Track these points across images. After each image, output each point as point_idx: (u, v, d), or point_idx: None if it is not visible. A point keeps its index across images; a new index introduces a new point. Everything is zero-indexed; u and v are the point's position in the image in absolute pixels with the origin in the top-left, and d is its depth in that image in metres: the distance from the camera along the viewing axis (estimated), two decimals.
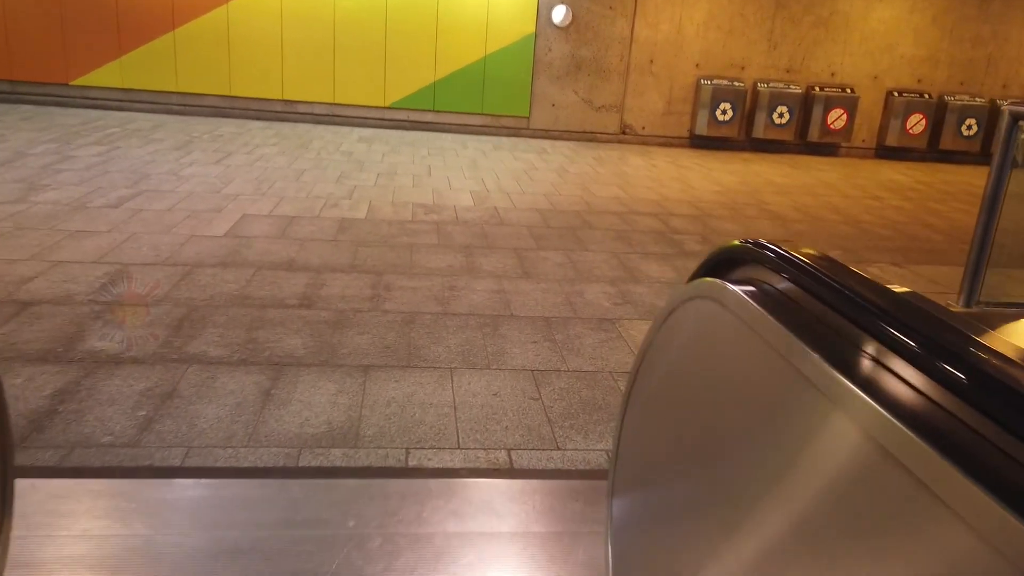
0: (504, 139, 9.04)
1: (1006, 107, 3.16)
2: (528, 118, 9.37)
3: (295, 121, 9.00)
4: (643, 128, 9.55)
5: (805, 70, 9.58)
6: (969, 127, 9.63)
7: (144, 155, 6.24)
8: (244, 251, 3.96)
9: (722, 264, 1.12)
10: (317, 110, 9.10)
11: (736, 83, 9.28)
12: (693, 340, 1.11)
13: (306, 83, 9.02)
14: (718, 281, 1.03)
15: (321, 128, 8.72)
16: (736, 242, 1.09)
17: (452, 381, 2.66)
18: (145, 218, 4.42)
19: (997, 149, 3.21)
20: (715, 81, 9.27)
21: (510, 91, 9.27)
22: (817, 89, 9.44)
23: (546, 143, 9.01)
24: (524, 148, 8.50)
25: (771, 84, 9.35)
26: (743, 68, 9.45)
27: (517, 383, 2.69)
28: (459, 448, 2.25)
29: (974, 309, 3.41)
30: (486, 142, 8.70)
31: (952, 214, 6.42)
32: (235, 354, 2.75)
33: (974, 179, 8.58)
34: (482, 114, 9.32)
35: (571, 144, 9.08)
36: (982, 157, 9.80)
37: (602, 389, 2.68)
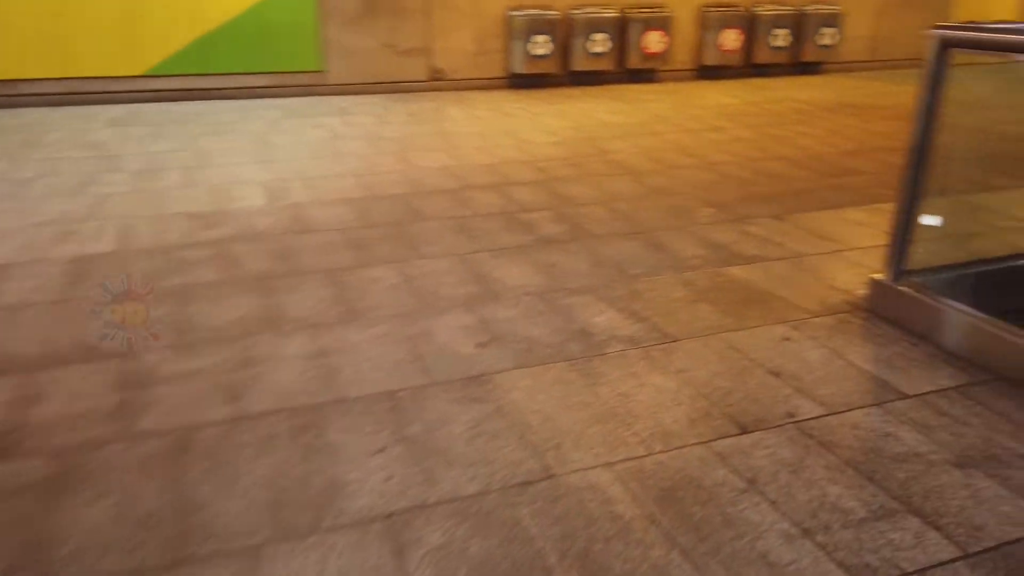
0: (298, 100, 7.64)
1: (933, 31, 2.49)
2: (323, 72, 7.99)
3: (20, 107, 7.04)
4: (455, 72, 8.48)
5: None
6: (779, 38, 9.45)
7: None
8: None
9: None
10: (49, 89, 7.18)
11: (549, 12, 8.41)
12: None
13: (29, 55, 7.05)
14: None
15: (59, 113, 6.87)
16: None
17: None
18: None
19: (921, 85, 2.56)
20: (526, 12, 8.35)
21: (296, 42, 7.82)
22: (633, 11, 8.80)
23: (348, 100, 7.72)
24: (323, 110, 7.18)
25: (585, 10, 8.57)
26: None
27: (366, 556, 1.70)
28: None
29: (905, 287, 2.84)
30: (276, 107, 7.27)
31: (798, 139, 6.02)
32: None
33: (794, 93, 8.39)
34: (266, 72, 7.82)
35: (378, 99, 7.85)
36: (792, 68, 9.73)
37: (499, 527, 1.76)
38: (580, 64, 8.67)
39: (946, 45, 2.48)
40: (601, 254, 3.53)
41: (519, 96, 8.11)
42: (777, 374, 2.46)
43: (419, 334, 2.74)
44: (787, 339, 2.69)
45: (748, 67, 9.55)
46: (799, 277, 3.26)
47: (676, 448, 2.08)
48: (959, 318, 2.58)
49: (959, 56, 2.49)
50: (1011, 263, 3.03)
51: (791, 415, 2.23)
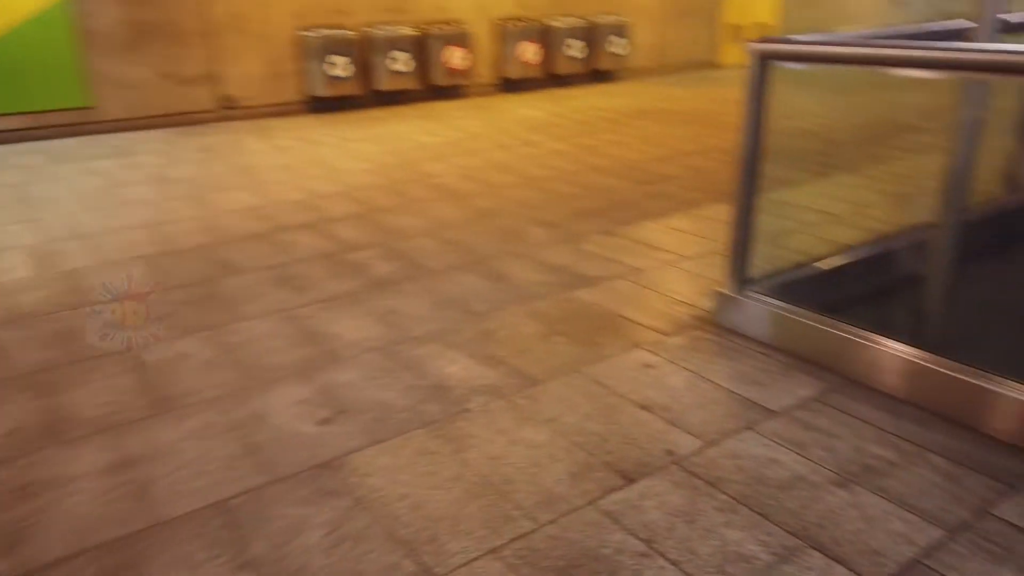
0: (64, 142, 6.67)
1: (752, 45, 2.51)
2: (93, 108, 7.06)
3: None
4: (249, 99, 7.86)
5: (413, 9, 8.69)
6: (574, 48, 9.73)
7: None
8: None
9: None
10: None
11: (344, 31, 8.03)
12: None
13: None
14: None
15: None
16: None
17: None
18: None
19: (746, 97, 2.57)
20: (320, 32, 7.91)
21: (54, 75, 6.84)
22: (431, 27, 8.65)
23: (126, 138, 6.87)
24: (97, 151, 6.31)
25: (382, 28, 8.29)
26: (346, 13, 8.22)
27: None
28: None
29: (748, 296, 2.86)
30: (37, 152, 6.30)
31: (609, 148, 6.14)
32: None
33: (595, 101, 8.65)
34: (21, 113, 6.77)
35: (161, 134, 7.06)
36: (589, 77, 10.06)
37: None
38: (383, 83, 8.37)
39: (766, 58, 2.50)
40: (441, 292, 3.28)
41: (323, 121, 7.66)
42: (647, 407, 2.34)
43: (248, 418, 2.34)
44: (648, 366, 2.60)
45: (548, 78, 9.74)
46: (644, 295, 3.21)
47: (565, 514, 1.88)
48: (801, 322, 2.62)
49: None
50: (844, 258, 3.17)
51: (671, 452, 2.12)
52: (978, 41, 2.84)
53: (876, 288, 3.22)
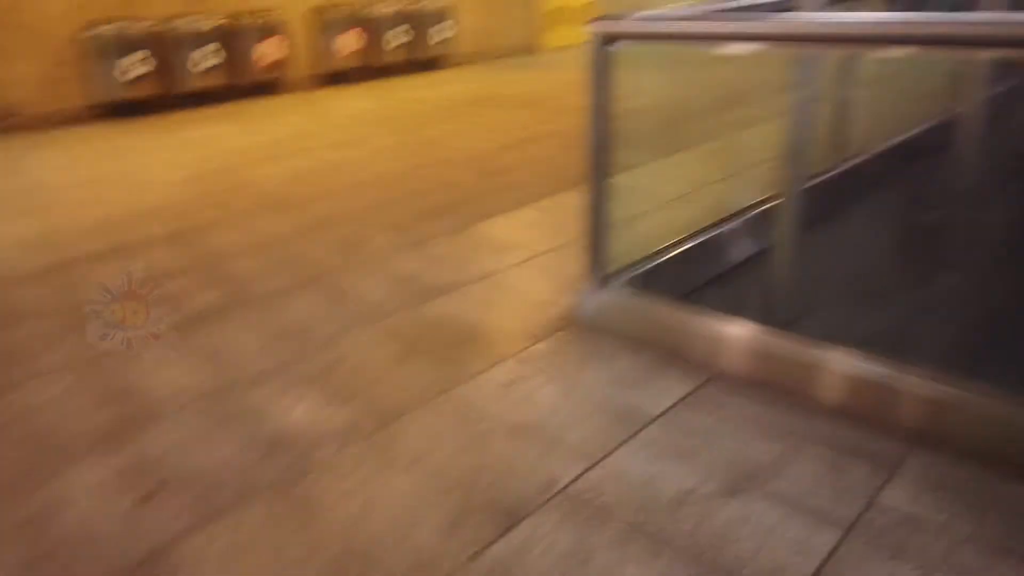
0: None
1: (593, 25, 2.33)
2: None
3: None
4: (29, 107, 6.85)
5: None
6: (399, 36, 9.35)
7: None
8: None
9: None
10: None
11: (141, 25, 7.19)
12: None
13: None
14: None
15: None
16: None
17: None
18: None
19: (590, 80, 2.40)
20: (113, 27, 7.03)
21: None
22: (241, 18, 7.95)
23: None
24: None
25: (182, 20, 7.50)
26: (140, 3, 7.37)
27: None
28: None
29: (609, 291, 2.71)
30: None
31: (450, 139, 5.89)
32: None
33: (427, 91, 8.36)
34: None
35: None
36: (416, 65, 9.72)
37: None
38: (190, 83, 7.60)
39: (609, 39, 2.34)
40: (276, 320, 2.90)
41: (123, 129, 6.82)
42: (522, 431, 2.13)
43: (43, 509, 1.89)
44: (517, 380, 2.39)
45: (373, 68, 9.31)
46: (502, 299, 3.00)
47: None
48: (663, 313, 2.52)
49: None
50: (698, 238, 3.11)
51: (553, 480, 1.92)
52: (807, 9, 2.84)
53: (731, 266, 3.21)
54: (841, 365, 2.13)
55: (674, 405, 2.21)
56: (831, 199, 3.72)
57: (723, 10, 2.71)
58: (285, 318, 2.91)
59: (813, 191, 3.41)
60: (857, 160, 4.17)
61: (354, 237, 3.79)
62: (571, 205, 4.07)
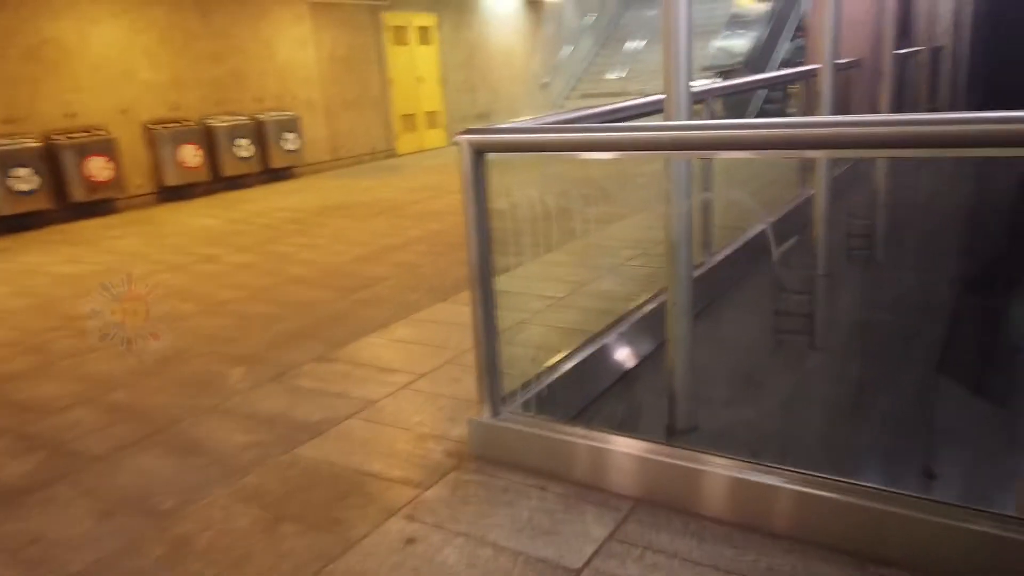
0: None
1: (462, 137, 2.16)
2: None
3: None
4: None
5: (36, 116, 7.30)
6: (242, 148, 8.99)
7: None
8: None
9: None
10: None
11: None
12: None
13: None
14: None
15: None
16: None
17: None
18: None
19: (465, 194, 2.21)
20: None
21: None
22: (61, 137, 7.32)
23: None
24: None
25: None
26: None
27: None
28: None
29: (507, 421, 2.45)
30: None
31: (304, 253, 5.54)
32: None
33: (276, 202, 8.00)
34: None
35: None
36: (263, 176, 9.36)
37: None
38: (5, 206, 6.82)
39: (480, 151, 2.16)
40: (109, 490, 2.39)
41: None
42: None
43: None
44: (411, 540, 2.04)
45: (217, 181, 8.84)
46: (384, 435, 2.66)
47: None
48: (564, 440, 2.28)
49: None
50: (590, 347, 2.93)
51: None
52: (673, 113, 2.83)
53: (629, 368, 3.06)
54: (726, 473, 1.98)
55: (597, 552, 1.94)
56: (708, 290, 3.71)
57: (595, 116, 2.64)
58: (121, 486, 2.41)
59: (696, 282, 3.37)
60: (727, 251, 4.24)
61: (203, 374, 3.32)
62: (447, 318, 3.85)
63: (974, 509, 1.74)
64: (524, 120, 2.31)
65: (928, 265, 4.91)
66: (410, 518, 2.14)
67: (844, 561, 1.81)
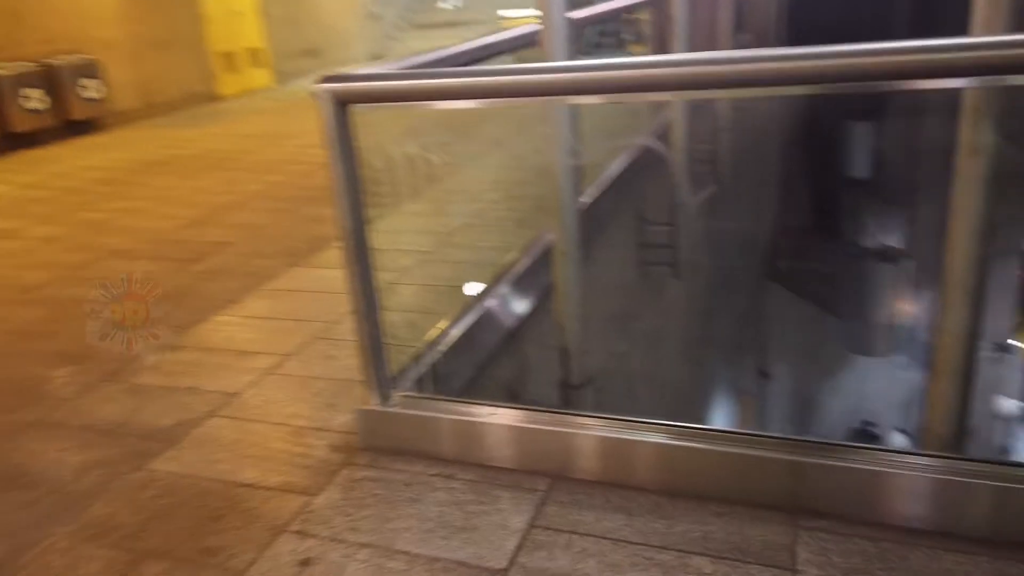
0: None
1: (323, 86, 1.82)
2: None
3: None
4: None
5: None
6: (33, 99, 7.76)
7: None
8: None
9: None
10: None
11: None
12: None
13: None
14: None
15: None
16: None
17: None
18: None
19: (330, 152, 1.89)
20: None
21: None
22: None
23: None
24: None
25: None
26: None
27: None
28: None
29: (398, 407, 2.19)
30: None
31: (124, 220, 4.85)
32: None
33: (83, 159, 7.01)
34: None
35: None
36: (64, 130, 8.17)
37: None
38: None
39: (343, 102, 1.82)
40: None
41: None
42: None
43: None
44: (306, 562, 1.77)
45: (4, 139, 7.59)
46: (254, 435, 2.32)
47: None
48: (465, 420, 2.08)
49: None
50: (471, 317, 2.70)
51: None
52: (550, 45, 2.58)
53: (519, 324, 2.88)
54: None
55: (520, 545, 1.76)
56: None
57: (460, 54, 2.35)
58: None
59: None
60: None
61: (18, 380, 2.78)
62: (306, 285, 3.47)
63: (899, 451, 1.73)
64: (390, 65, 1.99)
65: (762, 185, 5.13)
66: (301, 534, 1.86)
67: (778, 519, 1.75)
